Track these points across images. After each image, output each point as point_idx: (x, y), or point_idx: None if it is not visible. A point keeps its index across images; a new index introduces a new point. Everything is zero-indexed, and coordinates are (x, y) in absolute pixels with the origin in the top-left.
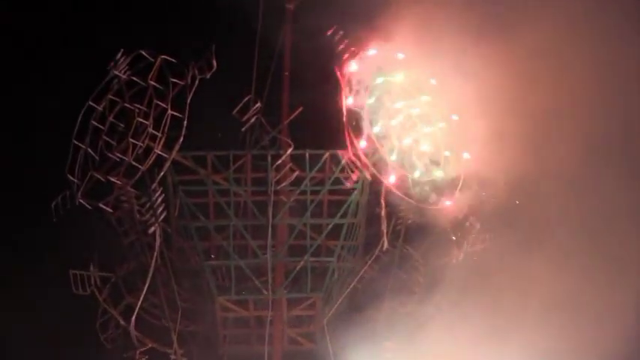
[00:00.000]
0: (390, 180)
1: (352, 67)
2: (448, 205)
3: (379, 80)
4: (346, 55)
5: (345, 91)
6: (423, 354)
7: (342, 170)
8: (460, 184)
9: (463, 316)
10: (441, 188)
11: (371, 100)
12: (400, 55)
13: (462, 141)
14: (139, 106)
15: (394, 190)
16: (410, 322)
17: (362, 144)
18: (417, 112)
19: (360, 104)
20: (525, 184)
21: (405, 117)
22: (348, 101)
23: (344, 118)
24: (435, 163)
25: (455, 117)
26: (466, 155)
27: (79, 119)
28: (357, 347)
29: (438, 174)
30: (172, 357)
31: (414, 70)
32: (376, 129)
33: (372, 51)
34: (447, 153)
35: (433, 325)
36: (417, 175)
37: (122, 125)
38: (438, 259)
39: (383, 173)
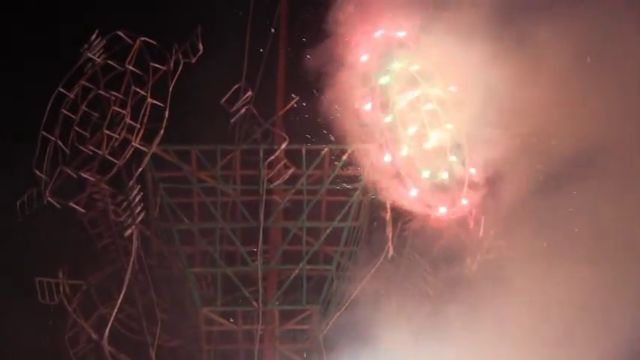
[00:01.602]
0: (386, 159)
1: (363, 57)
2: (461, 208)
3: (385, 80)
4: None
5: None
6: None
7: (343, 167)
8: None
9: (475, 330)
10: (452, 189)
11: (385, 80)
12: (401, 33)
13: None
14: (115, 93)
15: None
16: (417, 338)
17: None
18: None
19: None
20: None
21: (413, 104)
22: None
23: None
24: (443, 160)
25: (453, 88)
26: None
27: (48, 108)
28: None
29: (448, 174)
30: None
31: (425, 57)
32: (388, 118)
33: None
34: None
35: (443, 341)
36: (426, 175)
37: (96, 115)
38: (449, 268)
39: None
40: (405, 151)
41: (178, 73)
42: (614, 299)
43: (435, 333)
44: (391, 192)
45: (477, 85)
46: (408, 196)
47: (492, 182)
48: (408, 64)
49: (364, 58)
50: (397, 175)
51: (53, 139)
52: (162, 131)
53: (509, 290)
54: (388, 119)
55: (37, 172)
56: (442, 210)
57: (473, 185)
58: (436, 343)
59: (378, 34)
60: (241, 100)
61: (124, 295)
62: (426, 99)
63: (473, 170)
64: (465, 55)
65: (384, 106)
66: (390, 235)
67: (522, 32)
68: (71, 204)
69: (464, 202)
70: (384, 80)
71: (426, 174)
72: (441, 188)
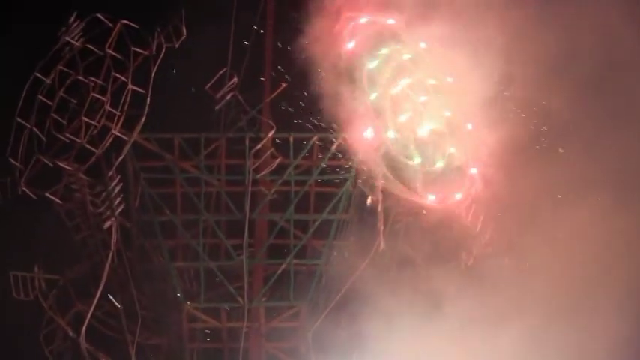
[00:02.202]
0: (367, 134)
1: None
2: (457, 200)
3: (373, 64)
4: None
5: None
6: None
7: (333, 157)
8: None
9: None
10: (449, 180)
11: (373, 96)
12: (391, 21)
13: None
14: (94, 79)
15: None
16: (410, 335)
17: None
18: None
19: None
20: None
21: (404, 90)
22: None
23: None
24: (439, 150)
25: (449, 79)
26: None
27: (24, 94)
28: None
29: (442, 164)
30: None
31: (415, 41)
32: (373, 96)
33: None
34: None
35: (437, 340)
36: (417, 162)
37: (74, 101)
38: (444, 263)
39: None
40: (394, 137)
41: (161, 58)
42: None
43: (429, 329)
44: (383, 182)
45: (474, 74)
46: (401, 186)
47: (492, 175)
48: (399, 52)
49: (351, 44)
50: (387, 162)
51: (29, 126)
52: (143, 119)
53: (506, 285)
54: (373, 97)
55: (12, 161)
56: (436, 200)
57: (472, 178)
58: (430, 340)
59: (363, 20)
60: (226, 87)
61: (102, 290)
62: (421, 87)
63: (472, 164)
64: (460, 44)
65: (371, 87)
66: (381, 228)
67: (519, 18)
68: (47, 194)
69: (460, 194)
70: (371, 64)
71: (417, 161)
72: (437, 179)
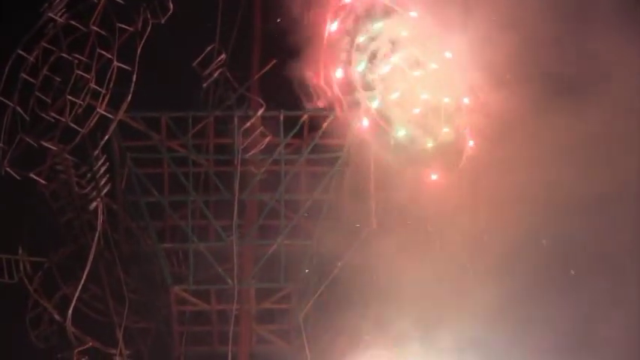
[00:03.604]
0: (363, 124)
1: (332, 25)
2: (450, 178)
3: (361, 39)
4: None
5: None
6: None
7: (324, 136)
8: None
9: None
10: (443, 157)
11: (361, 67)
12: None
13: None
14: (78, 56)
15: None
16: (401, 317)
17: (338, 73)
18: (407, 59)
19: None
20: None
21: (394, 66)
22: (337, 73)
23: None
24: (429, 131)
25: (449, 54)
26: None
27: (6, 71)
28: (338, 347)
29: (432, 143)
30: (117, 359)
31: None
32: (360, 67)
33: None
34: (446, 99)
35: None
36: (400, 133)
37: (58, 79)
38: (436, 240)
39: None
40: (380, 102)
41: (147, 34)
42: None
43: (423, 313)
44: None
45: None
46: (392, 162)
47: (485, 151)
48: (394, 29)
49: (337, 23)
50: (364, 119)
51: (12, 105)
52: (129, 97)
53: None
54: (361, 67)
55: None
56: (431, 177)
57: (466, 155)
58: (424, 323)
59: None
60: (214, 63)
61: (89, 273)
62: (415, 65)
63: (467, 139)
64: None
65: (360, 61)
66: (373, 207)
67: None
68: (31, 175)
69: (453, 172)
70: (361, 39)
71: (401, 132)
72: (430, 156)
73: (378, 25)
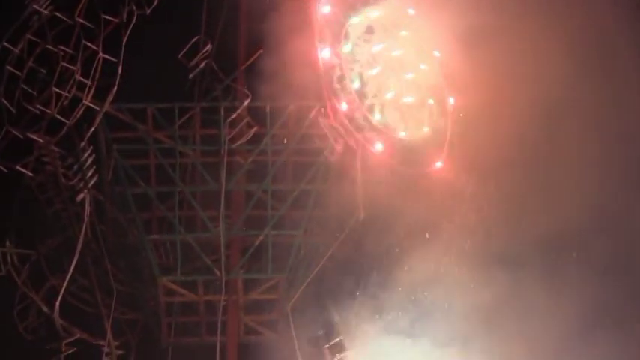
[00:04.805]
0: (378, 148)
1: (324, 8)
2: (438, 168)
3: (355, 20)
4: None
5: (319, 38)
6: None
7: (310, 126)
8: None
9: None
10: (428, 148)
11: (347, 48)
12: None
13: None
14: (64, 48)
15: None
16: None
17: (343, 106)
18: (397, 54)
19: (336, 54)
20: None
21: (385, 63)
22: (324, 53)
23: (321, 72)
24: (420, 120)
25: (437, 53)
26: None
27: None
28: (326, 337)
29: (425, 131)
30: (106, 350)
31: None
32: (355, 85)
33: None
34: (430, 101)
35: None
36: (402, 135)
37: (44, 71)
38: (424, 233)
39: (367, 138)
40: (379, 111)
41: (132, 25)
42: None
43: (410, 303)
44: (361, 149)
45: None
46: (378, 153)
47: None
48: (382, 15)
49: (327, 9)
50: (377, 143)
51: None
52: (115, 88)
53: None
54: (347, 49)
55: None
56: (415, 170)
57: (453, 147)
58: (411, 313)
59: None
60: (200, 54)
61: (76, 265)
62: (396, 44)
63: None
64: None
65: (353, 62)
66: (360, 197)
67: None
68: (18, 167)
69: (440, 163)
70: (352, 34)
71: (402, 134)
72: (418, 146)
73: (366, 12)
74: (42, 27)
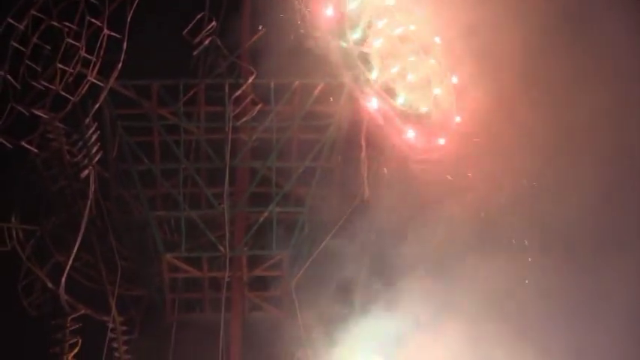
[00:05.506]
0: (372, 104)
1: None
2: (440, 145)
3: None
4: None
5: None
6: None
7: (315, 103)
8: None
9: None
10: (430, 126)
11: (357, 34)
12: None
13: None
14: (68, 24)
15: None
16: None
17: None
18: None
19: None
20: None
21: (388, 39)
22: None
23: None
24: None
25: (437, 39)
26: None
27: None
28: (330, 314)
29: (425, 109)
30: (110, 326)
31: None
32: (356, 35)
33: None
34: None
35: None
36: (400, 101)
37: (49, 47)
38: (427, 211)
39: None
40: (378, 71)
41: (137, 1)
42: None
43: (412, 282)
44: (367, 128)
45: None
46: (385, 130)
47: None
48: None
49: None
50: (372, 98)
51: (2, 73)
52: (120, 65)
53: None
54: (357, 35)
55: None
56: (419, 143)
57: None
58: (412, 293)
59: None
60: (205, 31)
61: (81, 241)
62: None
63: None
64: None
65: (352, 26)
66: (365, 175)
67: None
68: (23, 143)
69: (443, 139)
70: (353, 5)
71: (400, 99)
72: (421, 120)
73: None
74: (46, 3)
